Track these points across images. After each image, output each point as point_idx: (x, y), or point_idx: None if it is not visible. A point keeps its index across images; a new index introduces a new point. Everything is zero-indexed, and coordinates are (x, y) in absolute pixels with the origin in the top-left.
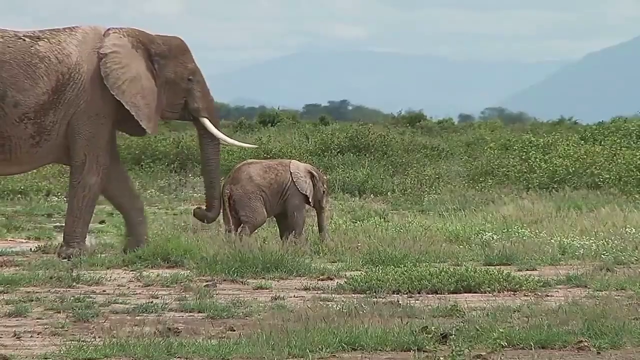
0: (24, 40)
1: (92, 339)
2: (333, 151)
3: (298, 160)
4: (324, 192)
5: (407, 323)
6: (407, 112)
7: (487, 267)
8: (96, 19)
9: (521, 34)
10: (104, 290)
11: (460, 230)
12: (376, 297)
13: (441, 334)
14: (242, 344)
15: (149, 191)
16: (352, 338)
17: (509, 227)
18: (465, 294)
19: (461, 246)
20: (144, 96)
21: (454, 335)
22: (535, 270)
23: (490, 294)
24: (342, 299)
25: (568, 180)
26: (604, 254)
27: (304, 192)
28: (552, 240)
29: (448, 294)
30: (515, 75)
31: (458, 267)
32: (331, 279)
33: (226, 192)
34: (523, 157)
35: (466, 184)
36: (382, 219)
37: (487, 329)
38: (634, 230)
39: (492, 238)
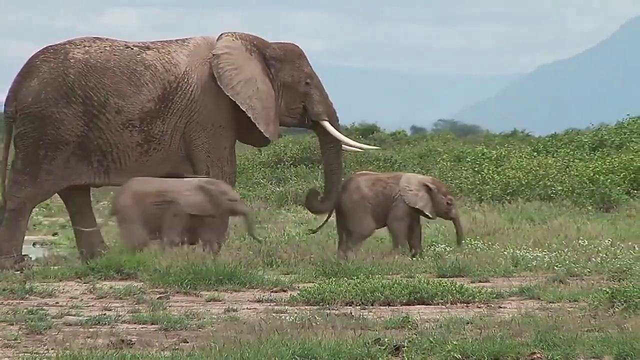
0: (132, 49)
1: (45, 351)
2: (286, 163)
3: (417, 173)
4: (448, 202)
5: (360, 335)
6: (360, 124)
7: (440, 279)
8: (53, 33)
9: (476, 47)
10: (57, 303)
11: None
12: (329, 309)
13: (394, 346)
14: (195, 356)
15: (101, 203)
16: (305, 350)
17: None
18: (418, 306)
19: (414, 258)
20: (261, 99)
21: (407, 347)
22: (488, 282)
23: (443, 306)
24: (295, 311)
25: (521, 192)
26: (556, 266)
27: (413, 205)
28: (505, 252)
29: (401, 305)
30: (469, 88)
31: (411, 279)
32: (284, 291)
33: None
34: (476, 169)
35: None
36: (334, 231)
37: (440, 341)
38: (586, 242)
39: (445, 250)
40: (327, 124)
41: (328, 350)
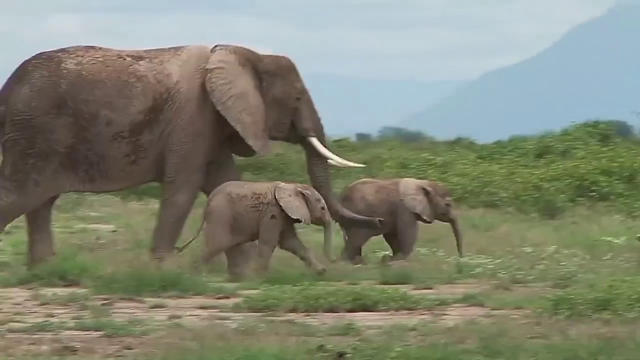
0: (125, 59)
1: None
2: None
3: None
4: (446, 204)
5: (303, 341)
6: None
7: (384, 285)
8: None
9: (421, 53)
10: (0, 309)
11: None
12: (273, 316)
13: (338, 353)
14: None
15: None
16: (249, 357)
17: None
18: (362, 313)
19: (358, 265)
20: (251, 113)
21: (351, 353)
22: (432, 289)
23: (387, 313)
24: (239, 317)
25: (465, 199)
26: (500, 273)
27: (412, 210)
28: (449, 259)
29: (345, 312)
30: (415, 94)
31: (355, 286)
32: (228, 298)
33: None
34: (421, 176)
35: None
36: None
37: (384, 347)
38: (530, 249)
39: (389, 257)
40: (314, 140)
41: (271, 357)
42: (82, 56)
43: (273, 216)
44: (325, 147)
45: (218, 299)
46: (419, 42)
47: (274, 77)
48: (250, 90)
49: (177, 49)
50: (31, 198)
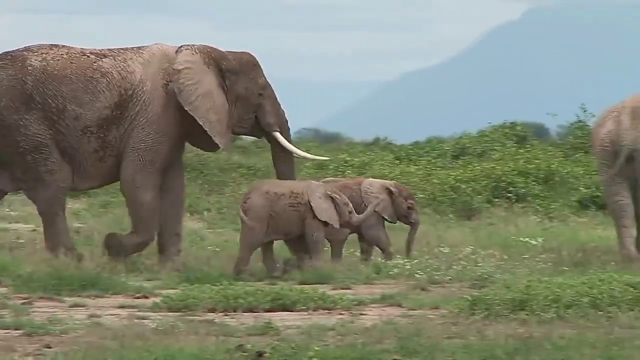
0: (89, 56)
1: None
2: None
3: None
4: (408, 207)
5: (222, 341)
6: None
7: (302, 285)
8: None
9: (342, 54)
10: None
11: (278, 248)
12: (192, 316)
13: (257, 352)
14: None
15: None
16: (168, 356)
17: (326, 246)
18: (281, 313)
19: (278, 265)
20: (216, 112)
21: (269, 353)
22: (350, 289)
23: (306, 313)
24: (158, 317)
25: None
26: (418, 274)
27: (375, 209)
28: (367, 260)
29: (263, 312)
30: (333, 95)
31: (273, 286)
32: (147, 297)
33: None
34: (339, 176)
35: None
36: (198, 238)
37: (303, 347)
38: (448, 249)
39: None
40: (278, 135)
41: (190, 357)
42: (46, 53)
43: (315, 217)
44: (289, 141)
45: (137, 298)
46: (339, 43)
47: (237, 74)
48: (215, 89)
49: (138, 48)
50: (54, 187)
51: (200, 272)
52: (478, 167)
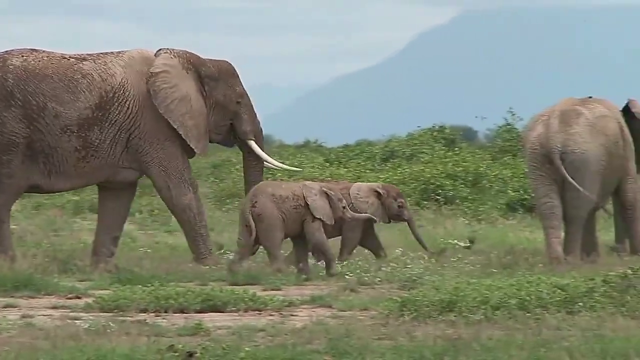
0: (69, 59)
1: None
2: None
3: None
4: (399, 206)
5: (154, 342)
6: None
7: (233, 286)
8: None
9: (273, 58)
10: None
11: None
12: (124, 316)
13: (187, 353)
14: None
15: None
16: (100, 356)
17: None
18: (212, 313)
19: (208, 266)
20: (192, 117)
21: (200, 353)
22: (281, 290)
23: (236, 314)
24: (90, 317)
25: None
26: (348, 275)
27: (364, 213)
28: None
29: (194, 313)
30: (267, 98)
31: (204, 287)
32: (79, 298)
33: None
34: (269, 179)
35: (213, 206)
36: (129, 239)
37: (233, 347)
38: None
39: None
40: (253, 144)
41: (122, 357)
42: (27, 55)
43: (315, 218)
44: (262, 150)
45: (70, 299)
46: (271, 46)
47: (216, 81)
48: (193, 94)
49: (119, 52)
50: (9, 191)
51: (131, 273)
52: (407, 170)
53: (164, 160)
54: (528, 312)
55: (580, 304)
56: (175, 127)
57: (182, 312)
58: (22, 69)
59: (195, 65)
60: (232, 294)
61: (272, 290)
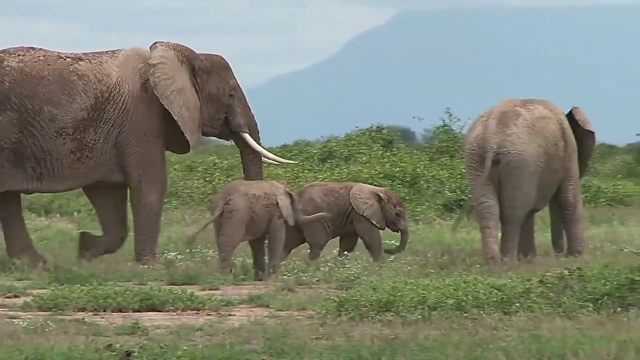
0: (65, 59)
1: None
2: None
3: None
4: (396, 213)
5: (92, 340)
6: None
7: (171, 286)
8: None
9: None
10: None
11: None
12: (62, 315)
13: (125, 352)
14: None
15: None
16: (38, 355)
17: (193, 247)
18: (150, 313)
19: (146, 265)
20: (188, 108)
21: (138, 353)
22: (219, 289)
23: (174, 313)
24: (29, 316)
25: None
26: (286, 275)
27: (362, 214)
28: (235, 260)
29: (132, 312)
30: None
31: (142, 286)
32: (18, 297)
33: None
34: (207, 178)
35: None
36: (68, 238)
37: (171, 347)
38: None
39: (176, 258)
40: (247, 136)
41: (60, 356)
42: (23, 55)
43: (280, 216)
44: (258, 143)
45: (8, 298)
46: (211, 47)
47: (209, 74)
48: (188, 86)
49: (114, 51)
50: None
51: (70, 273)
52: (345, 170)
53: (144, 155)
54: (465, 313)
55: (517, 304)
56: (175, 118)
57: (120, 311)
58: (19, 71)
59: (188, 58)
60: (170, 293)
61: (210, 289)
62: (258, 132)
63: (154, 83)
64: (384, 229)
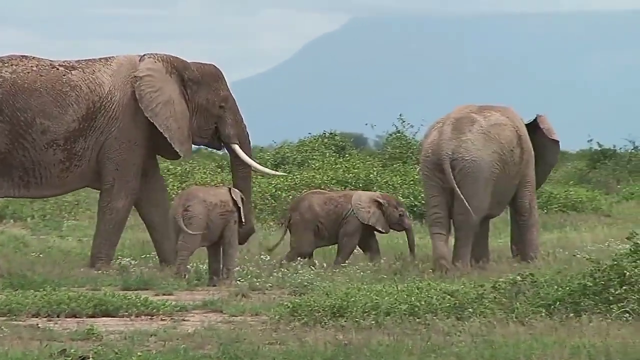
0: (58, 69)
1: None
2: None
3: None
4: (399, 214)
5: (46, 346)
6: None
7: (125, 291)
8: None
9: None
10: None
11: None
12: (16, 320)
13: (80, 357)
14: None
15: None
16: None
17: (147, 253)
18: (104, 318)
19: (100, 271)
20: (176, 119)
21: (92, 358)
22: (172, 295)
23: (128, 318)
24: None
25: None
26: (239, 280)
27: (366, 222)
28: (189, 266)
29: (87, 317)
30: None
31: (96, 292)
32: None
33: (288, 218)
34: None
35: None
36: (21, 244)
37: (125, 352)
38: (268, 257)
39: (130, 263)
40: (236, 147)
41: None
42: (16, 65)
43: (236, 221)
44: (249, 154)
45: None
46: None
47: (198, 84)
48: (176, 98)
49: (107, 59)
50: None
51: (24, 278)
52: (298, 176)
53: (124, 161)
54: (418, 318)
55: (470, 309)
56: (161, 130)
57: (74, 316)
58: (11, 83)
59: (178, 69)
60: (124, 298)
61: (164, 295)
62: (249, 143)
63: (139, 96)
64: (388, 232)
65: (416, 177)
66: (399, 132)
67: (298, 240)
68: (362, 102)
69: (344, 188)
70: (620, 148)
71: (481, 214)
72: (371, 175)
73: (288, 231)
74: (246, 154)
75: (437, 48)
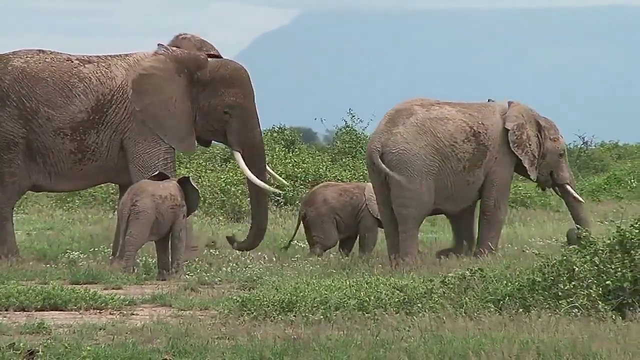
0: (72, 62)
1: None
2: None
3: None
4: None
5: None
6: None
7: (74, 285)
8: None
9: None
10: None
11: (47, 248)
12: None
13: (28, 351)
14: None
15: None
16: None
17: (96, 246)
18: (52, 312)
19: (48, 265)
20: (174, 117)
21: (42, 352)
22: (121, 289)
23: (77, 312)
24: None
25: None
26: (188, 275)
27: (376, 216)
28: (138, 260)
29: (35, 311)
30: None
31: (45, 286)
32: None
33: (302, 213)
34: None
35: (54, 204)
36: None
37: (74, 346)
38: (217, 251)
39: (79, 257)
40: (237, 155)
41: None
42: (30, 57)
43: (184, 215)
44: (260, 163)
45: None
46: (112, 49)
47: (205, 87)
48: (179, 96)
49: (126, 55)
50: (10, 190)
51: None
52: None
53: (143, 158)
54: (367, 313)
55: (419, 304)
56: (151, 126)
57: (23, 310)
58: (20, 71)
59: (190, 69)
60: (73, 292)
61: (113, 289)
62: (260, 153)
63: (133, 91)
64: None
65: (365, 172)
66: (348, 126)
67: (322, 234)
68: (312, 97)
69: (294, 183)
70: (570, 144)
71: (422, 209)
72: (320, 170)
73: (302, 225)
74: (256, 163)
75: (388, 42)
